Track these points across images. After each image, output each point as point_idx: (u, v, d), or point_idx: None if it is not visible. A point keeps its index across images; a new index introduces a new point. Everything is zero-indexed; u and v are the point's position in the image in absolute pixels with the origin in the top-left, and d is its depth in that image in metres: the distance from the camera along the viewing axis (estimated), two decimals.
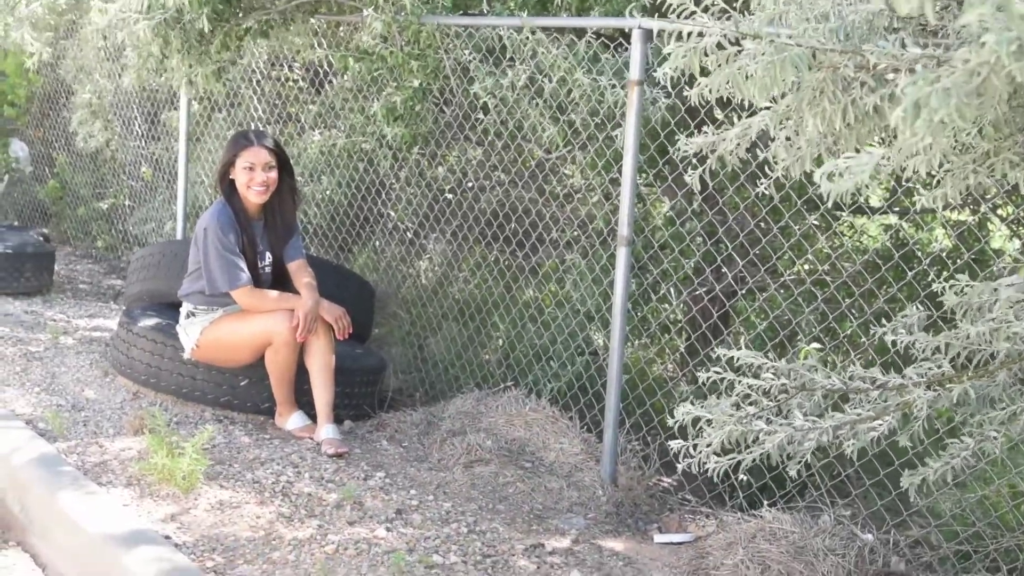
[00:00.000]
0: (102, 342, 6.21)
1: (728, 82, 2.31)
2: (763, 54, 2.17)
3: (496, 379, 5.40)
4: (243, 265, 4.82)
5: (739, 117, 2.77)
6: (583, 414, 4.92)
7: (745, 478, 2.94)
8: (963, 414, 2.84)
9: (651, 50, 4.29)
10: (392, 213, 6.33)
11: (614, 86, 4.52)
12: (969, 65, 1.78)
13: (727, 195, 4.69)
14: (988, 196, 4.73)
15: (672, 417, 2.83)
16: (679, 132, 4.12)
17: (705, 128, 4.28)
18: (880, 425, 2.59)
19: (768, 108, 2.37)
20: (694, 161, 4.60)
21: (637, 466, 4.60)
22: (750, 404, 2.66)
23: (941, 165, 2.36)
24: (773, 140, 2.52)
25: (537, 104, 4.82)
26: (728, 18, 2.38)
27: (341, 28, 5.89)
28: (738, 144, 2.54)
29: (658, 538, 4.08)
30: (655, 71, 4.25)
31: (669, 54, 2.44)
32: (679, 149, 2.85)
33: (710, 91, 2.39)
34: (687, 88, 3.84)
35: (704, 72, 2.40)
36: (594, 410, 4.86)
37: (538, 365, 5.21)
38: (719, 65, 2.32)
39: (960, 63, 1.79)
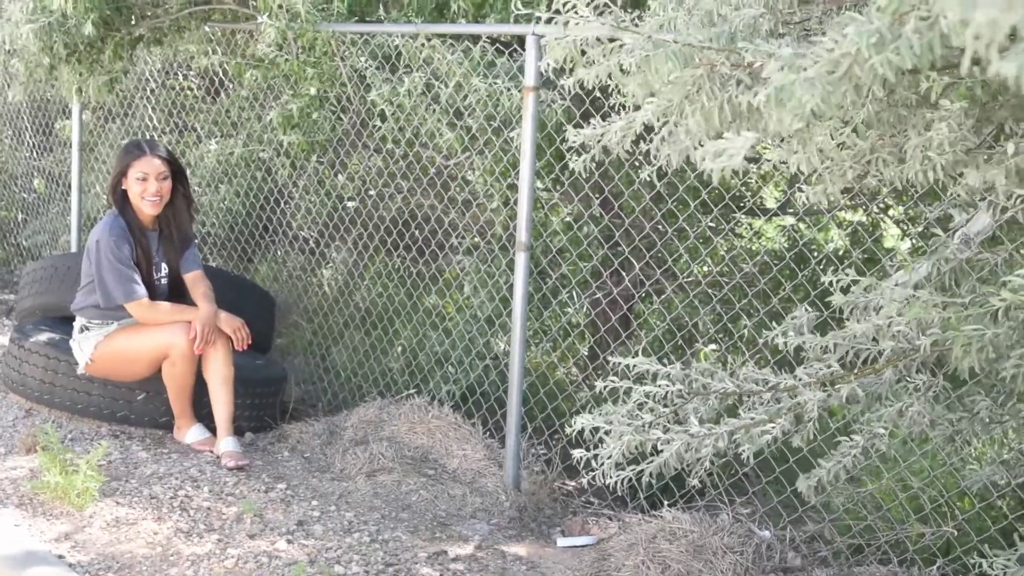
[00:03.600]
0: None
1: (608, 76, 2.34)
2: (640, 49, 2.20)
3: (399, 387, 5.38)
4: (138, 278, 4.74)
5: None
6: (486, 420, 4.93)
7: (646, 479, 2.97)
8: (853, 412, 2.90)
9: (547, 66, 4.32)
10: (293, 222, 6.28)
11: (509, 90, 4.53)
12: (833, 55, 1.83)
13: (623, 199, 4.73)
14: (878, 196, 4.85)
15: (571, 425, 2.84)
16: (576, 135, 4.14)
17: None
18: (773, 427, 2.64)
19: (651, 103, 2.40)
20: (592, 167, 4.64)
21: (540, 470, 4.62)
22: (648, 411, 2.68)
23: (823, 163, 2.41)
24: (656, 133, 2.55)
25: (434, 110, 4.81)
26: (611, 13, 2.40)
27: (238, 35, 5.83)
28: (623, 136, 2.57)
29: (561, 542, 4.10)
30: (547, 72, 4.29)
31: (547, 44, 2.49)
32: (568, 141, 2.88)
33: (588, 82, 2.42)
34: (583, 95, 3.87)
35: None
36: (496, 415, 4.87)
37: (440, 372, 5.20)
38: (602, 57, 2.35)
39: (824, 52, 1.84)
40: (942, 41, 1.73)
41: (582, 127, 2.84)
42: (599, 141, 2.59)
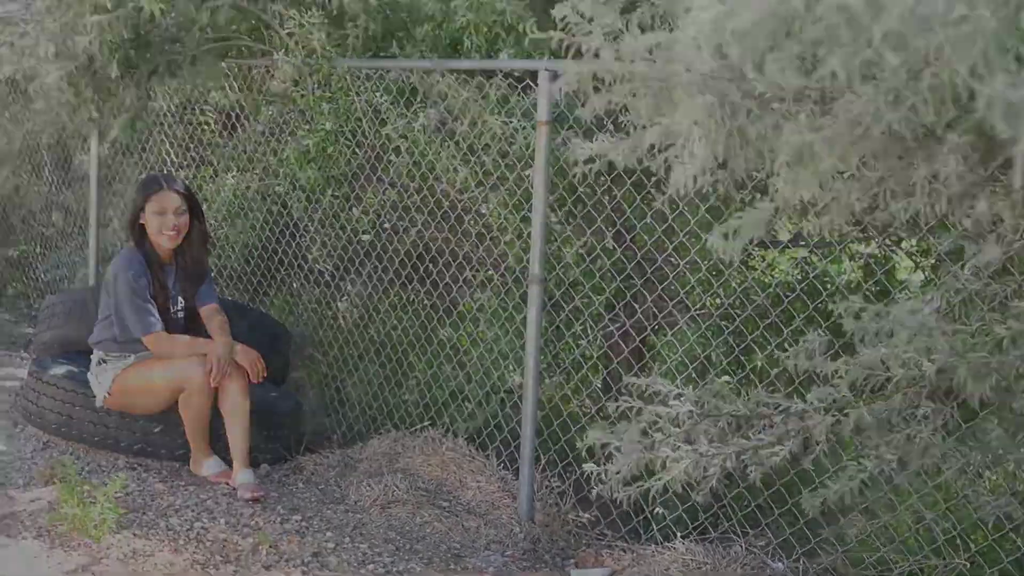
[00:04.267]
0: (12, 391, 6.09)
1: (619, 101, 2.38)
2: (655, 79, 2.23)
3: (413, 419, 5.39)
4: (155, 311, 4.79)
5: None
6: (500, 452, 4.94)
7: (660, 511, 2.99)
8: (863, 438, 2.91)
9: (559, 91, 4.36)
10: (308, 255, 6.32)
11: (524, 128, 4.57)
12: (851, 115, 1.84)
13: (636, 232, 4.76)
14: (889, 228, 4.86)
15: (586, 453, 2.87)
16: (587, 169, 4.17)
17: (616, 171, 4.36)
18: (781, 449, 2.65)
19: (659, 124, 2.42)
20: (604, 201, 4.68)
21: (554, 502, 4.63)
22: (657, 431, 2.70)
23: (826, 192, 2.43)
24: (661, 152, 2.58)
25: (448, 146, 4.86)
26: (622, 40, 2.43)
27: (254, 71, 5.90)
28: (632, 153, 2.59)
29: (575, 573, 4.11)
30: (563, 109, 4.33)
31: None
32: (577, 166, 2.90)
33: (600, 110, 2.45)
34: (595, 129, 3.91)
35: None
36: (511, 448, 4.89)
37: (455, 404, 5.22)
38: (613, 83, 2.38)
39: (842, 112, 1.86)
40: (952, 94, 1.75)
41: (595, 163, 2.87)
42: (598, 157, 2.62)
